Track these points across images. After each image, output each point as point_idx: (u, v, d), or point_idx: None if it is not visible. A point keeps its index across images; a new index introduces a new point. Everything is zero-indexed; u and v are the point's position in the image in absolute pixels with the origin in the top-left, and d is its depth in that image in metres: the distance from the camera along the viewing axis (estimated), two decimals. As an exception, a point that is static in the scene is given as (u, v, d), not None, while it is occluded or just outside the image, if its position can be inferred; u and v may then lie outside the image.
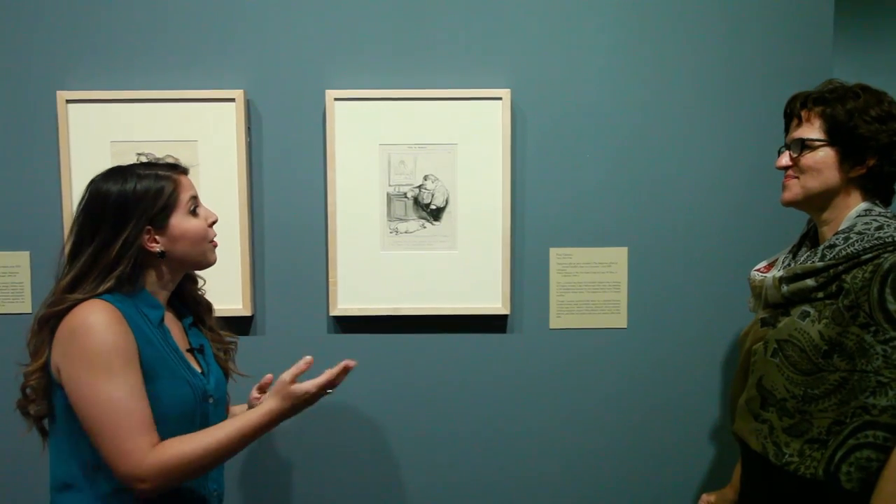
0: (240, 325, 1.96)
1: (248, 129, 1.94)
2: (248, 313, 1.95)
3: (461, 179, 1.94)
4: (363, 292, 1.96)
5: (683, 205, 1.98)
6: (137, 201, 1.34)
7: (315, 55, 1.93)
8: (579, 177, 1.97)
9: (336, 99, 1.91)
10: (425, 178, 1.95)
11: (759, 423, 1.49)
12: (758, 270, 1.59)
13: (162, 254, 1.37)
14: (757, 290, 1.56)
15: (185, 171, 1.43)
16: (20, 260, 1.96)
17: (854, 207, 1.46)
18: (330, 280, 1.95)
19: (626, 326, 2.00)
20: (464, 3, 1.93)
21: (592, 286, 1.99)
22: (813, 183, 1.47)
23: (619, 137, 1.96)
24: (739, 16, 1.95)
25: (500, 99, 1.91)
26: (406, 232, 1.96)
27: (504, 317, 1.99)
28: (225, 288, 1.93)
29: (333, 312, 1.96)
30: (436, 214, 1.96)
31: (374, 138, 1.93)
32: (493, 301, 1.96)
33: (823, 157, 1.46)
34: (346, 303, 1.96)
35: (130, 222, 1.33)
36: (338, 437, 2.02)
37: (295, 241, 1.97)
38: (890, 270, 1.33)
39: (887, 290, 1.33)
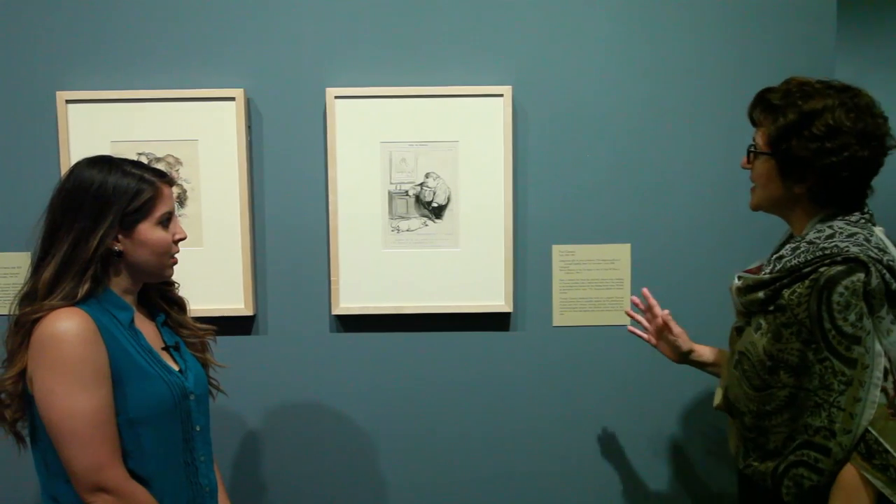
0: (241, 324, 1.95)
1: (249, 128, 1.93)
2: (249, 313, 1.94)
3: (463, 177, 1.93)
4: (365, 291, 1.95)
5: (686, 201, 1.97)
6: (116, 197, 1.32)
7: (315, 53, 1.93)
8: (581, 173, 1.96)
9: (336, 97, 1.90)
10: (427, 175, 1.94)
11: (730, 428, 1.49)
12: (747, 271, 1.49)
13: (119, 253, 1.35)
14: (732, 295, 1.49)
15: (170, 182, 1.41)
16: (21, 261, 1.95)
17: (814, 217, 1.38)
18: (332, 279, 1.94)
19: (629, 323, 1.99)
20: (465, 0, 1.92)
21: (595, 283, 1.98)
22: (762, 193, 1.42)
23: (620, 134, 1.95)
24: (741, 12, 1.94)
25: (501, 96, 1.90)
26: (408, 230, 1.95)
27: (507, 314, 1.98)
28: (226, 288, 1.93)
29: (335, 311, 1.95)
30: (437, 212, 1.95)
31: (375, 136, 1.92)
32: (495, 299, 1.95)
33: (766, 169, 1.39)
34: (348, 302, 1.95)
35: (108, 217, 1.32)
36: (341, 435, 2.01)
37: (296, 240, 1.96)
38: (825, 287, 1.27)
39: (823, 308, 1.27)
